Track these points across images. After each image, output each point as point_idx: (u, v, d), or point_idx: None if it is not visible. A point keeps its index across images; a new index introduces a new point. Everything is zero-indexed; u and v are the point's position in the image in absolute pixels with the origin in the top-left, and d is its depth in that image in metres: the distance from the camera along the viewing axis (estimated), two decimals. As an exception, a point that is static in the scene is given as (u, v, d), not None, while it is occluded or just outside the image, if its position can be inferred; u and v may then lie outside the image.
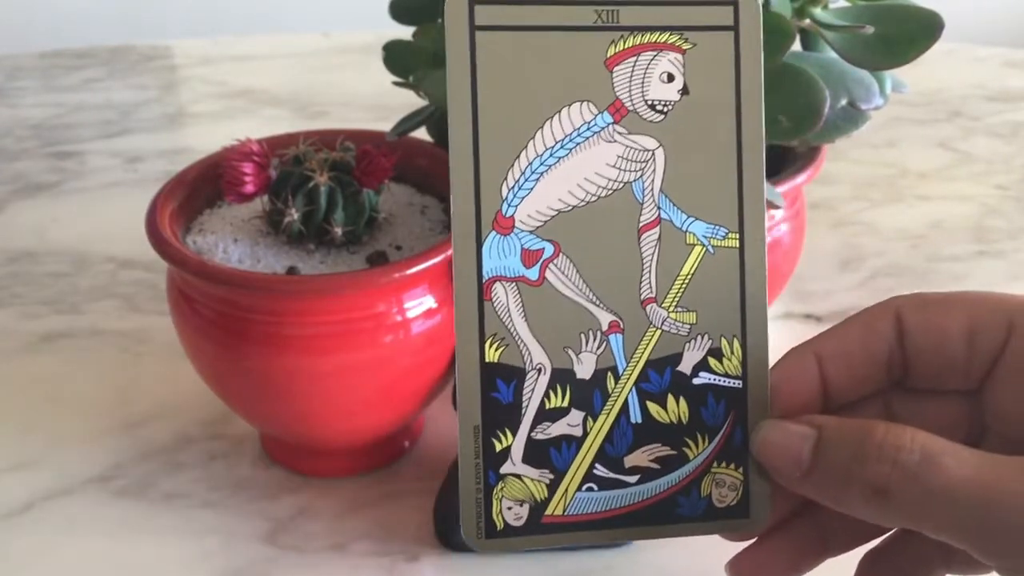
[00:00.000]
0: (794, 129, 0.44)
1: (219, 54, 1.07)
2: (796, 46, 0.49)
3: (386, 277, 0.44)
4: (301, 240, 0.48)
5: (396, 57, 0.52)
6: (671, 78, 0.30)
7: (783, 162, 0.54)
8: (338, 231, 0.48)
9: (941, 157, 0.86)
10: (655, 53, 0.30)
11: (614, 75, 0.30)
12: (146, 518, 0.50)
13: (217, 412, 0.55)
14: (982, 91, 0.98)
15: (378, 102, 0.89)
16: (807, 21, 0.46)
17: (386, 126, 0.52)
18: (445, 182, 0.52)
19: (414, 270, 0.44)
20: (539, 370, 0.30)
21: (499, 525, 0.30)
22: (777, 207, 0.48)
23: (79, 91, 0.99)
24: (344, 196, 0.48)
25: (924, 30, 0.43)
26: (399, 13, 0.52)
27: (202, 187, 0.51)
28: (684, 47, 0.30)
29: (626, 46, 0.30)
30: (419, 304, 0.46)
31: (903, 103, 0.91)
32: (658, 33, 0.30)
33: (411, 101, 0.51)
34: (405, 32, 0.52)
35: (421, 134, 0.53)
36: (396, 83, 0.52)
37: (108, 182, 0.82)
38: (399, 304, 0.45)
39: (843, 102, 0.46)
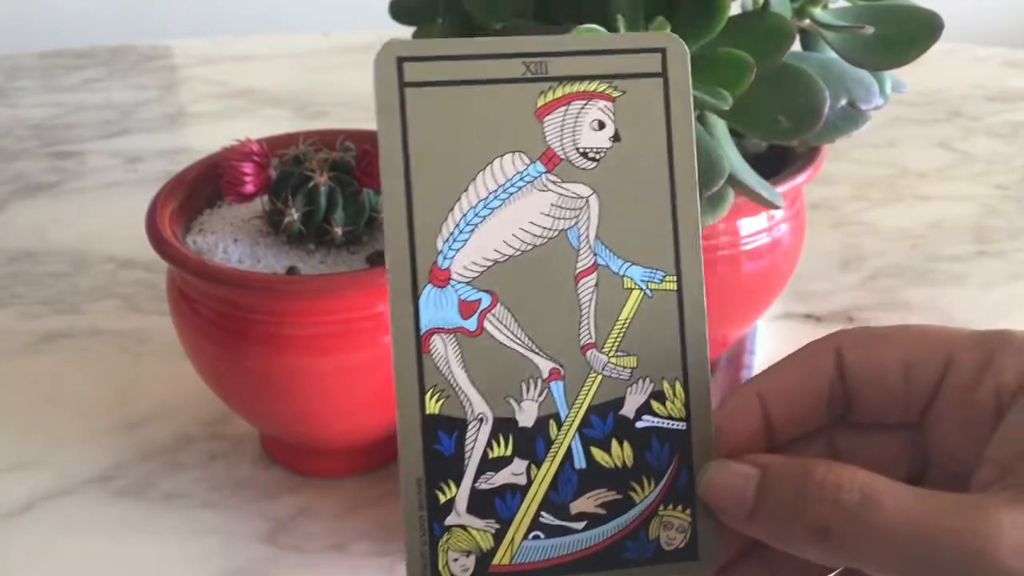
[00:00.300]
0: (794, 129, 0.44)
1: (219, 54, 1.07)
2: (796, 46, 0.49)
3: (386, 277, 0.44)
4: (301, 240, 0.48)
5: (396, 57, 0.52)
6: (602, 125, 0.31)
7: (783, 162, 0.54)
8: (338, 231, 0.48)
9: (941, 157, 0.86)
10: (585, 102, 0.30)
11: (545, 125, 0.30)
12: (146, 518, 0.50)
13: (217, 412, 0.55)
14: (982, 91, 0.98)
15: (378, 102, 0.89)
16: (807, 21, 0.46)
17: (386, 126, 0.52)
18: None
19: (414, 270, 0.44)
20: (481, 420, 0.30)
21: None
22: (777, 207, 0.48)
23: (79, 91, 0.99)
24: (344, 196, 0.48)
25: (924, 30, 0.43)
26: (399, 13, 0.52)
27: (202, 187, 0.51)
28: (614, 95, 0.31)
29: (555, 96, 0.30)
30: (419, 304, 0.46)
31: (903, 103, 0.91)
32: (587, 82, 0.30)
33: (411, 101, 0.51)
34: (405, 32, 0.52)
35: (421, 134, 0.53)
36: (396, 83, 0.52)
37: (108, 182, 0.82)
38: (399, 304, 0.45)
39: (843, 102, 0.46)
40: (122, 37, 1.13)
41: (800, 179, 0.52)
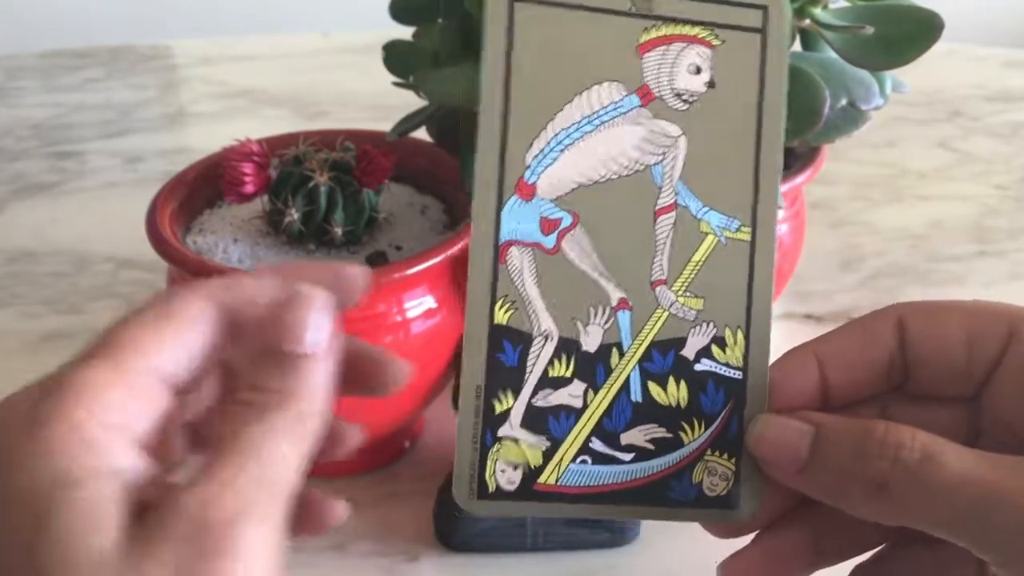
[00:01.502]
0: (794, 129, 0.44)
1: (219, 54, 1.07)
2: (796, 46, 0.49)
3: (386, 277, 0.44)
4: (301, 240, 0.48)
5: (396, 57, 0.52)
6: (699, 70, 0.31)
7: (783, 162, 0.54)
8: (338, 231, 0.48)
9: (941, 157, 0.86)
10: (685, 44, 0.31)
11: (644, 61, 0.31)
12: (146, 518, 0.50)
13: (217, 412, 0.55)
14: (982, 91, 0.98)
15: (378, 102, 0.89)
16: (807, 21, 0.46)
17: (386, 126, 0.52)
18: (445, 182, 0.52)
19: (414, 270, 0.44)
20: (546, 337, 0.31)
21: (491, 487, 0.30)
22: (778, 207, 0.48)
23: (79, 91, 0.99)
24: (344, 196, 0.48)
25: (924, 30, 0.43)
26: (399, 13, 0.52)
27: (202, 187, 0.51)
28: (714, 43, 0.31)
29: (658, 34, 0.31)
30: (419, 304, 0.46)
31: (903, 103, 0.91)
32: (690, 26, 0.31)
33: (411, 101, 0.51)
34: (405, 32, 0.52)
35: (421, 134, 0.53)
36: (396, 83, 0.52)
37: (108, 182, 0.82)
38: (399, 304, 0.45)
39: (843, 102, 0.46)
40: (122, 37, 1.13)
41: (800, 179, 0.52)
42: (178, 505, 0.24)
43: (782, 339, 0.32)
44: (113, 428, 0.25)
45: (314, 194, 0.47)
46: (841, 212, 0.77)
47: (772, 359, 0.32)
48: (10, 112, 0.95)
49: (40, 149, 0.88)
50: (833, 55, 0.46)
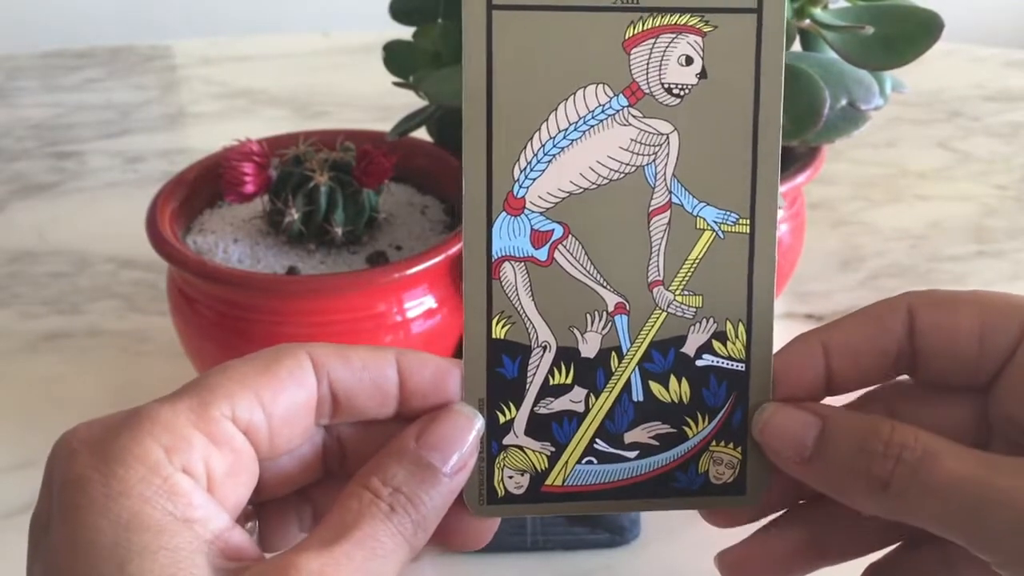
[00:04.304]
0: (794, 129, 0.44)
1: (219, 54, 1.07)
2: (796, 46, 0.49)
3: (386, 277, 0.44)
4: (301, 240, 0.48)
5: (396, 57, 0.52)
6: (689, 61, 0.30)
7: (783, 162, 0.54)
8: (338, 231, 0.48)
9: (941, 157, 0.86)
10: (674, 35, 0.30)
11: (631, 57, 0.30)
12: (146, 518, 0.50)
13: (217, 412, 0.55)
14: (982, 91, 0.98)
15: (378, 102, 0.89)
16: (807, 21, 0.46)
17: (386, 126, 0.52)
18: (445, 182, 0.53)
19: (414, 270, 0.44)
20: (544, 347, 0.31)
21: (500, 492, 0.31)
22: (778, 195, 0.48)
23: (79, 91, 0.99)
24: (344, 196, 0.48)
25: (924, 30, 0.43)
26: (399, 13, 0.52)
27: (202, 187, 0.51)
28: (704, 30, 0.30)
29: (644, 28, 0.30)
30: (419, 304, 0.46)
31: (903, 103, 0.90)
32: (678, 15, 0.30)
33: (411, 101, 0.51)
34: (405, 32, 0.52)
35: (421, 134, 0.53)
36: (396, 83, 0.52)
37: (108, 182, 0.82)
38: (399, 304, 0.46)
39: (843, 102, 0.46)
40: (122, 37, 1.13)
41: (800, 179, 0.52)
42: (295, 567, 0.25)
43: (782, 339, 0.32)
44: (191, 473, 0.26)
45: (314, 194, 0.47)
46: (841, 212, 0.77)
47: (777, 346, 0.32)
48: (10, 112, 0.95)
49: (40, 149, 0.88)
50: (833, 55, 0.46)
